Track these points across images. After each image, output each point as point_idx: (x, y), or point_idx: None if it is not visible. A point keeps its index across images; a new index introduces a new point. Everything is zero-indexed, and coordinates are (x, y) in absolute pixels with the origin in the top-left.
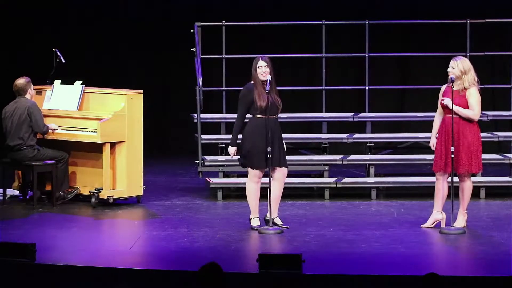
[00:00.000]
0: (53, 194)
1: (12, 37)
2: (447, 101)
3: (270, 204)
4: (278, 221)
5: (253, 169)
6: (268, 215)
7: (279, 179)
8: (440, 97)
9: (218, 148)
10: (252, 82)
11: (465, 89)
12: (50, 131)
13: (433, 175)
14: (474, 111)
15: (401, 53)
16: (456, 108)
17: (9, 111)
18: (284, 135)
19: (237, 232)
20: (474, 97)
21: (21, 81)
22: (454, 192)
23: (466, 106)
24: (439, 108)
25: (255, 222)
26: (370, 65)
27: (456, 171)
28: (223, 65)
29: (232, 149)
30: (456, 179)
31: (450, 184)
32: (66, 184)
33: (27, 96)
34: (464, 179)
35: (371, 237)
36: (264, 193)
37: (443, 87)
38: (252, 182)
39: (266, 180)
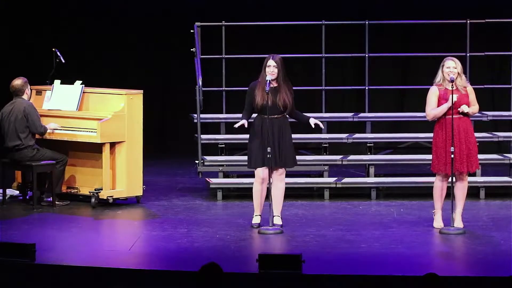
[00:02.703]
0: (53, 194)
1: (12, 37)
2: (465, 108)
3: (270, 204)
4: (276, 220)
5: (250, 168)
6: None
7: (276, 179)
8: (434, 99)
9: (218, 148)
10: (259, 80)
11: (464, 87)
12: (49, 131)
13: (432, 175)
14: (476, 106)
15: (401, 53)
16: (470, 110)
17: (6, 112)
18: None
19: (237, 232)
20: (473, 93)
21: (18, 82)
22: (451, 192)
23: (469, 104)
24: (436, 106)
25: (254, 220)
26: (370, 65)
27: (470, 170)
28: (223, 65)
29: (241, 122)
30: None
31: (449, 184)
32: (59, 187)
33: (24, 96)
34: (466, 178)
35: (371, 237)
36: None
37: (435, 89)
38: (255, 182)
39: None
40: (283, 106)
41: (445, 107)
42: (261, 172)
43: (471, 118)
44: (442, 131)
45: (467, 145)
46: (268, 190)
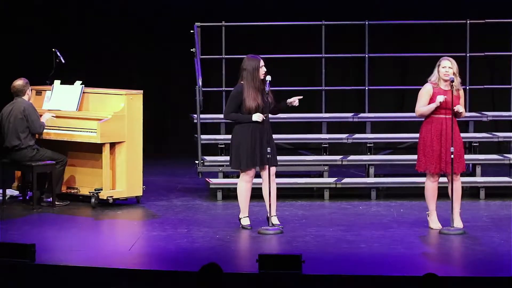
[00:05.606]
0: (53, 194)
1: (12, 37)
2: (460, 108)
3: (270, 204)
4: (275, 220)
5: (238, 169)
6: (268, 214)
7: (271, 179)
8: (426, 97)
9: (218, 149)
10: (242, 82)
11: (457, 89)
12: (47, 120)
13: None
14: (464, 111)
15: (401, 53)
16: (462, 110)
17: (6, 113)
18: (283, 135)
19: (237, 233)
20: (463, 98)
21: (19, 82)
22: (445, 193)
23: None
24: (427, 105)
25: (246, 222)
26: (370, 65)
27: (456, 171)
28: (222, 65)
29: (259, 115)
30: (444, 179)
31: (442, 185)
32: (59, 187)
33: (25, 97)
34: (458, 178)
35: (370, 238)
36: (258, 193)
37: (430, 87)
38: (244, 181)
39: (256, 180)
40: (271, 104)
41: (432, 106)
42: (252, 172)
43: (457, 119)
44: (431, 129)
45: (455, 147)
46: (259, 191)
